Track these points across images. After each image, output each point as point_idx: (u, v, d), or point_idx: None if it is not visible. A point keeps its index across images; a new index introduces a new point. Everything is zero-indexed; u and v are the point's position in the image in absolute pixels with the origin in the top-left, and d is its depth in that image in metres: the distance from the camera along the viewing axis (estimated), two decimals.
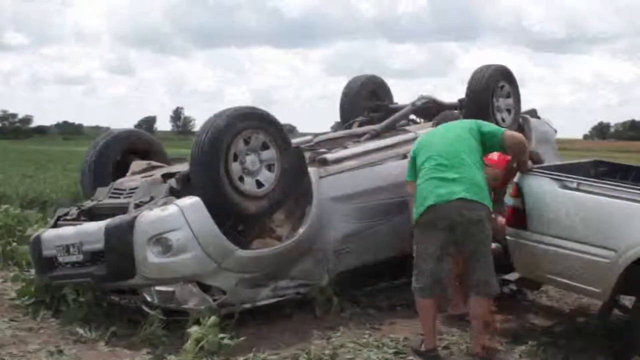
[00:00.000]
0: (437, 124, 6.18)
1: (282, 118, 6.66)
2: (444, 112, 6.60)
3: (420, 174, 5.57)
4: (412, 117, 8.96)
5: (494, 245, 5.74)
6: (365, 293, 6.98)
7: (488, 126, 5.78)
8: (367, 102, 9.38)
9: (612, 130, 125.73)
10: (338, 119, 9.61)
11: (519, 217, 5.70)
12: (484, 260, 5.38)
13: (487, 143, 5.63)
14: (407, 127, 8.21)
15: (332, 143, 7.76)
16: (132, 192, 6.36)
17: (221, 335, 5.32)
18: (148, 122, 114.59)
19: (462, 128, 5.74)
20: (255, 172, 6.12)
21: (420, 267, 5.47)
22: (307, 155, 6.74)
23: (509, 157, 5.92)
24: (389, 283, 7.23)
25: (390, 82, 9.89)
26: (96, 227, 5.96)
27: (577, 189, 5.51)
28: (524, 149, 5.74)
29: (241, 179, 5.99)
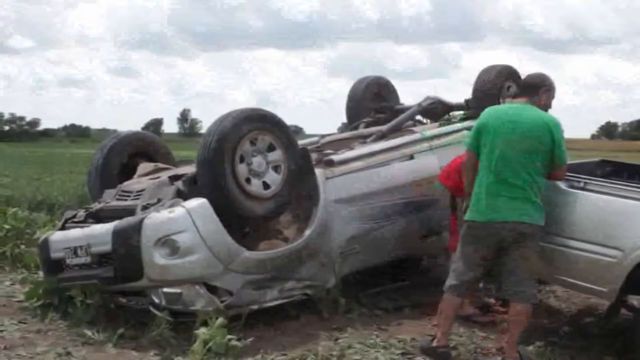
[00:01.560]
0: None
1: (288, 119, 6.68)
2: (529, 76, 5.72)
3: (481, 164, 5.35)
4: (419, 117, 8.95)
5: None
6: (372, 294, 6.97)
7: (560, 146, 5.33)
8: (373, 103, 9.36)
9: (619, 130, 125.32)
10: (344, 120, 9.60)
11: None
12: (531, 269, 5.31)
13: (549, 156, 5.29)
14: (414, 128, 8.20)
15: (339, 144, 7.76)
16: (139, 195, 6.37)
17: (229, 336, 5.34)
18: (155, 124, 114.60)
19: (536, 127, 5.27)
20: (262, 173, 6.13)
21: (460, 266, 5.44)
22: (314, 156, 6.74)
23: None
24: (396, 284, 7.24)
25: (394, 83, 9.85)
26: (104, 229, 5.97)
27: (583, 189, 5.51)
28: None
29: (248, 180, 6.01)
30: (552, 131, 5.26)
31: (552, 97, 5.57)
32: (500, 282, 5.63)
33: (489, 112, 5.49)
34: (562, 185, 5.59)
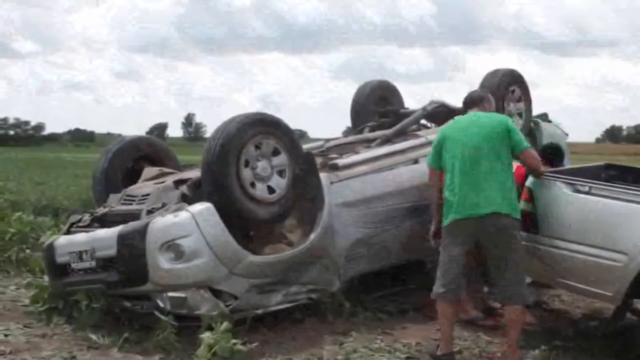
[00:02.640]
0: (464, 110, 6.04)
1: (292, 123, 6.69)
2: (469, 94, 6.13)
3: (448, 173, 5.54)
4: (423, 121, 8.96)
5: None
6: (376, 299, 6.97)
7: (517, 134, 5.57)
8: (377, 107, 9.37)
9: (624, 133, 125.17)
10: (348, 124, 9.61)
11: (531, 221, 5.70)
12: (515, 267, 5.37)
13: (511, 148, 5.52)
14: (418, 132, 8.21)
15: (343, 148, 7.76)
16: (144, 199, 6.38)
17: (233, 340, 5.33)
18: (160, 129, 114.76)
19: (490, 127, 5.54)
20: (267, 177, 6.13)
21: (446, 271, 5.47)
22: (318, 160, 6.74)
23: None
24: (400, 288, 7.23)
25: (398, 87, 9.86)
26: (109, 233, 5.98)
27: (588, 193, 5.51)
28: (538, 172, 5.75)
29: (252, 184, 6.01)
30: (506, 123, 5.56)
31: (493, 107, 6.09)
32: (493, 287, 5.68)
33: (444, 129, 5.84)
34: (566, 189, 5.59)
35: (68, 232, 6.61)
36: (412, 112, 8.89)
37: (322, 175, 6.52)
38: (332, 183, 6.55)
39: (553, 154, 6.89)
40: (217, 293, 5.88)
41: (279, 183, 6.18)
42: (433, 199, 5.86)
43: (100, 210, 6.61)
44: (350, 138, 8.51)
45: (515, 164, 5.76)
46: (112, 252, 5.86)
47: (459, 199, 5.39)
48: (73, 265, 6.22)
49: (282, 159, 6.21)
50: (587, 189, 5.53)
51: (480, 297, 6.62)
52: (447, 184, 5.52)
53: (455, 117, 6.05)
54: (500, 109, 8.15)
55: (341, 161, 6.80)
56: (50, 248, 6.44)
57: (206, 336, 5.31)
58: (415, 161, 7.32)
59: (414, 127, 8.54)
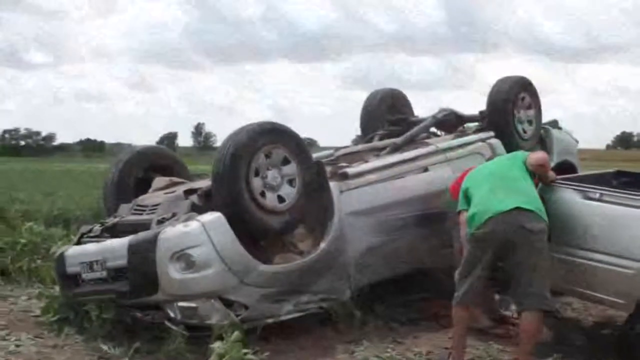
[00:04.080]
0: None
1: (302, 131, 6.69)
2: None
3: (474, 198, 5.65)
4: (433, 129, 8.95)
5: None
6: (387, 307, 6.95)
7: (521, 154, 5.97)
8: (387, 115, 9.36)
9: (635, 139, 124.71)
10: (358, 133, 9.61)
11: None
12: (541, 274, 5.33)
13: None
14: (428, 140, 8.20)
15: (353, 157, 7.75)
16: (154, 209, 6.38)
17: (244, 350, 5.31)
18: (170, 139, 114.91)
19: (509, 157, 6.06)
20: (277, 187, 6.13)
21: (466, 278, 5.47)
22: (328, 169, 6.74)
23: None
24: (412, 296, 7.22)
25: (410, 95, 9.86)
26: (119, 243, 5.99)
27: (599, 200, 5.49)
28: (545, 170, 5.80)
29: (263, 194, 6.01)
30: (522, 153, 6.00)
31: None
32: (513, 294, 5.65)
33: (469, 174, 6.06)
34: (577, 196, 5.58)
35: (79, 243, 6.62)
36: (422, 120, 8.88)
37: (332, 184, 6.51)
38: (341, 192, 6.53)
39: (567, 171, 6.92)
40: (227, 303, 5.87)
41: (289, 192, 6.18)
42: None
43: (111, 221, 6.62)
44: (360, 146, 8.50)
45: None
46: (122, 262, 5.87)
47: (484, 203, 5.45)
48: (84, 276, 6.22)
49: (292, 168, 6.21)
50: (598, 195, 5.52)
51: (492, 306, 6.58)
52: (473, 202, 5.61)
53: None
54: (510, 117, 8.16)
55: (351, 170, 6.78)
56: (61, 258, 6.45)
57: (217, 346, 5.29)
58: (425, 169, 7.32)
59: (424, 135, 8.53)
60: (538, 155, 5.86)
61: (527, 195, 5.43)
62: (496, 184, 5.55)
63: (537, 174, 5.75)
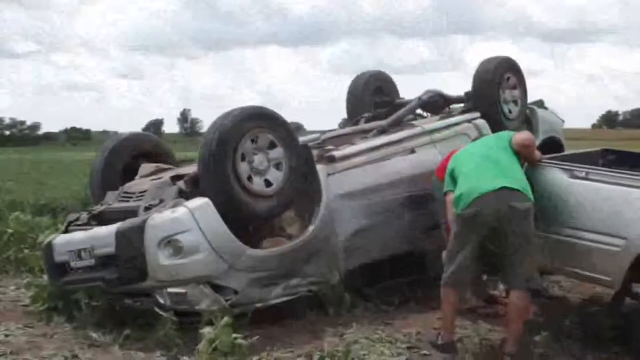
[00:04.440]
0: None
1: (290, 116, 6.70)
2: None
3: (459, 177, 5.63)
4: (420, 111, 8.95)
5: None
6: (376, 289, 6.96)
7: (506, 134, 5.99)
8: (373, 98, 9.36)
9: (620, 118, 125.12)
10: (345, 116, 9.60)
11: None
12: (528, 253, 5.35)
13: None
14: (415, 122, 8.21)
15: (340, 140, 7.75)
16: (141, 196, 6.37)
17: (235, 335, 5.33)
18: (156, 126, 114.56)
19: (495, 137, 6.13)
20: (264, 171, 6.13)
21: (454, 259, 5.46)
22: (315, 153, 6.74)
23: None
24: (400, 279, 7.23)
25: (398, 78, 9.85)
26: (107, 231, 5.97)
27: (586, 179, 5.51)
28: (531, 151, 5.82)
29: (250, 178, 6.01)
30: (508, 133, 6.01)
31: None
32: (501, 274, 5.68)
33: (455, 155, 6.02)
34: (564, 175, 5.60)
35: (66, 231, 6.60)
36: (408, 102, 8.88)
37: (320, 168, 6.53)
38: (329, 175, 6.55)
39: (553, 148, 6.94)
40: (217, 288, 5.88)
41: (277, 176, 6.18)
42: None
43: (98, 208, 6.60)
44: (347, 130, 8.50)
45: None
46: (111, 249, 5.87)
47: (471, 184, 5.44)
48: (72, 264, 6.22)
49: (278, 153, 6.20)
50: (584, 174, 5.54)
51: (481, 286, 6.61)
52: (459, 183, 5.58)
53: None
54: (495, 97, 8.16)
55: (338, 153, 6.79)
56: (49, 247, 6.44)
57: (207, 331, 5.31)
58: (412, 151, 7.34)
59: (410, 117, 8.53)
60: (523, 136, 5.87)
61: (514, 176, 5.44)
62: (482, 164, 5.55)
63: (522, 155, 5.76)
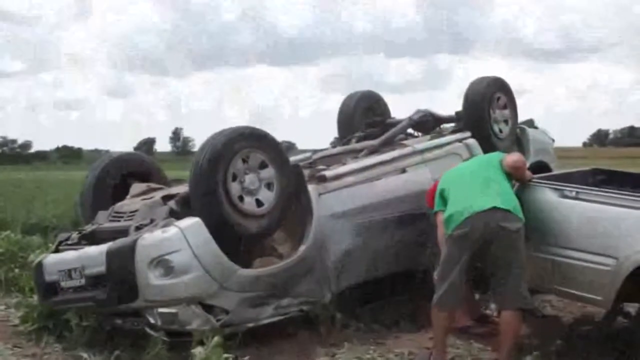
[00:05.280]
0: None
1: (281, 135, 6.72)
2: None
3: (450, 197, 5.68)
4: (410, 131, 8.97)
5: None
6: (368, 309, 6.95)
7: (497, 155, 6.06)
8: (364, 117, 9.39)
9: (611, 136, 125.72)
10: (336, 135, 9.62)
11: None
12: (519, 273, 5.37)
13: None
14: (405, 142, 8.22)
15: (331, 160, 7.76)
16: (132, 215, 6.36)
17: (225, 355, 5.29)
18: (147, 144, 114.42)
19: (483, 157, 6.36)
20: (255, 191, 6.12)
21: (445, 279, 5.47)
22: (306, 172, 6.74)
23: None
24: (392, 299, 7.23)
25: (388, 97, 9.88)
26: (97, 251, 5.95)
27: (575, 198, 5.54)
28: (522, 172, 5.85)
29: (241, 198, 6.00)
30: (497, 154, 6.16)
31: None
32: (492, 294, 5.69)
33: (445, 175, 6.07)
34: (554, 195, 5.62)
35: (57, 251, 6.57)
36: (399, 121, 8.91)
37: (311, 187, 6.53)
38: (320, 195, 6.55)
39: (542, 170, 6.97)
40: (208, 308, 5.86)
41: (267, 196, 6.17)
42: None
43: (89, 228, 6.58)
44: (338, 149, 8.52)
45: None
46: (101, 269, 5.84)
47: (461, 203, 5.48)
48: (62, 284, 6.18)
49: (269, 172, 6.20)
50: (574, 194, 5.56)
51: (473, 305, 6.61)
52: (450, 203, 5.63)
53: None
54: (486, 117, 8.19)
55: (329, 172, 6.80)
56: (39, 267, 6.40)
57: (198, 351, 5.28)
58: (403, 170, 7.34)
59: (401, 136, 8.56)
60: (514, 158, 5.89)
61: (504, 195, 5.46)
62: (472, 184, 5.57)
63: (513, 175, 5.78)
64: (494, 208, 5.33)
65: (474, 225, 5.33)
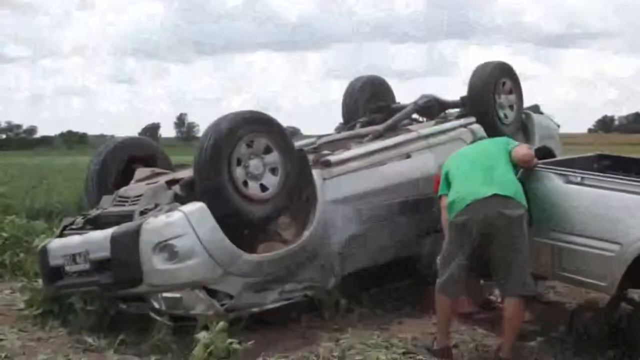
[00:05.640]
0: None
1: (286, 121, 6.70)
2: None
3: (453, 181, 5.67)
4: (415, 116, 8.95)
5: None
6: (372, 294, 6.96)
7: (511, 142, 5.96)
8: (369, 102, 9.35)
9: (616, 123, 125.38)
10: (341, 121, 9.60)
11: None
12: (522, 260, 5.36)
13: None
14: (410, 127, 8.19)
15: (336, 145, 7.74)
16: (136, 200, 6.35)
17: (229, 340, 5.30)
18: (152, 129, 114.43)
19: (489, 142, 6.17)
20: (259, 176, 6.11)
21: (447, 265, 5.47)
22: (311, 157, 6.73)
23: None
24: (395, 284, 7.23)
25: (392, 82, 9.85)
26: (102, 235, 5.96)
27: (580, 183, 5.52)
28: (529, 165, 5.83)
29: (245, 183, 5.99)
30: (505, 139, 6.15)
31: None
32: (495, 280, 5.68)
33: (450, 157, 6.07)
34: (559, 180, 5.60)
35: (61, 235, 6.58)
36: (404, 106, 8.88)
37: (315, 172, 6.51)
38: (324, 180, 6.53)
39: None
40: (212, 292, 5.86)
41: (272, 181, 6.16)
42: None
43: (93, 212, 6.58)
44: (342, 134, 8.50)
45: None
46: (105, 254, 5.84)
47: (463, 189, 5.47)
48: (67, 268, 6.19)
49: (274, 157, 6.19)
50: (579, 179, 5.55)
51: (477, 291, 6.61)
52: (452, 188, 5.62)
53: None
54: (491, 102, 8.16)
55: (333, 157, 6.77)
56: (44, 251, 6.41)
57: (202, 336, 5.28)
58: (408, 156, 7.32)
59: (406, 121, 8.53)
60: (524, 152, 5.79)
61: (506, 182, 5.45)
62: (475, 170, 5.56)
63: (519, 166, 5.76)
64: (495, 195, 5.31)
65: (475, 212, 5.32)
